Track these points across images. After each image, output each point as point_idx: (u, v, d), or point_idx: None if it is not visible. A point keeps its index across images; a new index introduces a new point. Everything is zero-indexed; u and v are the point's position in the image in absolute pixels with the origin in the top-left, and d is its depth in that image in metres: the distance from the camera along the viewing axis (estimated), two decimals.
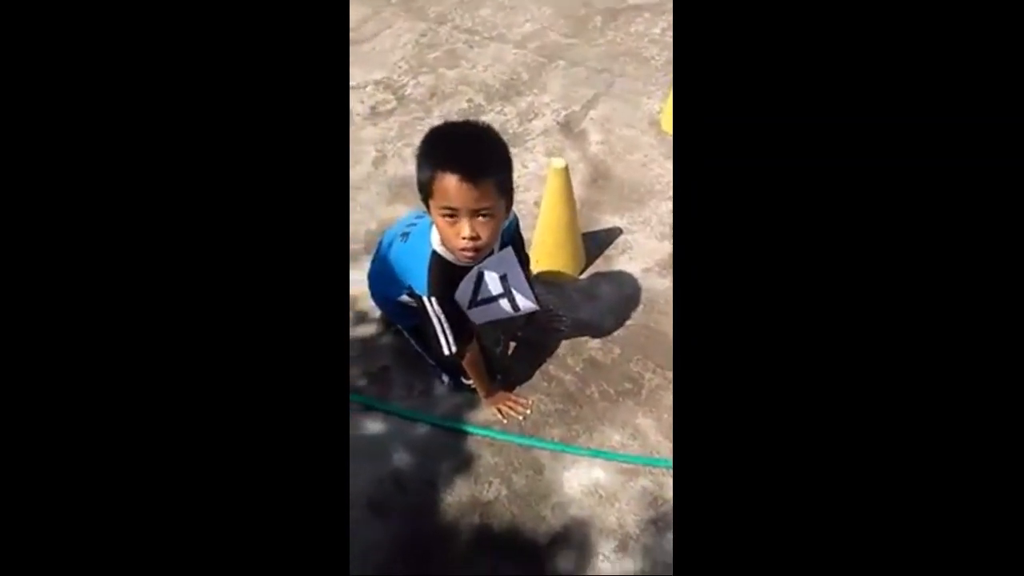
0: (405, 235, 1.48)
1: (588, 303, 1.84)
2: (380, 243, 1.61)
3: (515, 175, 1.30)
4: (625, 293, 1.86)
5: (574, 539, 1.38)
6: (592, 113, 2.45)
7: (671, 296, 1.81)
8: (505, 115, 2.47)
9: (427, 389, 1.66)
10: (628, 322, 1.79)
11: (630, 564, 1.34)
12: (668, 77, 2.56)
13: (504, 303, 1.50)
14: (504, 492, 1.46)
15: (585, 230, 1.97)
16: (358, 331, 1.78)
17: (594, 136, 2.36)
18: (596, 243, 1.98)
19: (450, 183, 1.19)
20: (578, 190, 1.97)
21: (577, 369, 1.69)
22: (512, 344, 1.76)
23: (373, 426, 1.59)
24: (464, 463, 1.52)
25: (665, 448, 1.52)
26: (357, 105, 2.53)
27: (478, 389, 1.60)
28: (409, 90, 2.61)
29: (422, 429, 1.58)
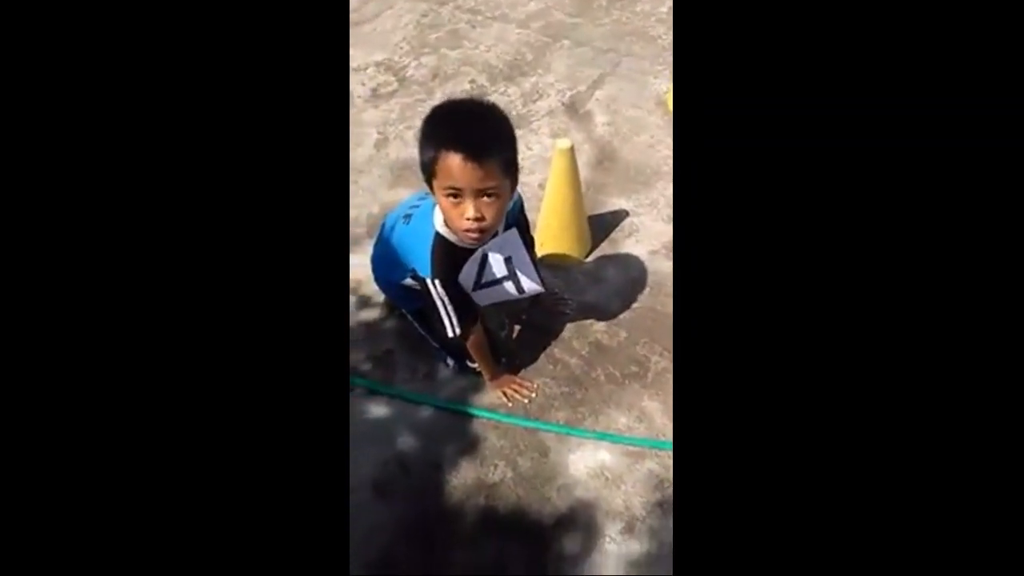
0: (408, 217, 1.46)
1: (594, 286, 1.83)
2: (383, 226, 1.59)
3: (519, 157, 1.28)
4: (631, 276, 1.85)
5: (580, 521, 1.38)
6: (598, 94, 2.42)
7: None
8: (509, 96, 2.44)
9: (431, 372, 1.65)
10: (634, 305, 1.77)
11: (636, 546, 1.34)
12: None
13: (509, 285, 1.48)
14: (509, 474, 1.46)
15: (591, 212, 1.96)
16: (362, 315, 1.77)
17: (600, 117, 2.33)
18: (602, 225, 1.97)
19: (454, 162, 1.16)
20: (584, 172, 1.94)
21: (583, 352, 1.68)
22: (517, 327, 1.75)
23: (377, 410, 1.59)
24: (469, 446, 1.51)
25: (671, 431, 1.51)
26: (358, 87, 2.51)
27: (483, 372, 1.59)
28: (411, 71, 2.58)
29: (427, 412, 1.58)
